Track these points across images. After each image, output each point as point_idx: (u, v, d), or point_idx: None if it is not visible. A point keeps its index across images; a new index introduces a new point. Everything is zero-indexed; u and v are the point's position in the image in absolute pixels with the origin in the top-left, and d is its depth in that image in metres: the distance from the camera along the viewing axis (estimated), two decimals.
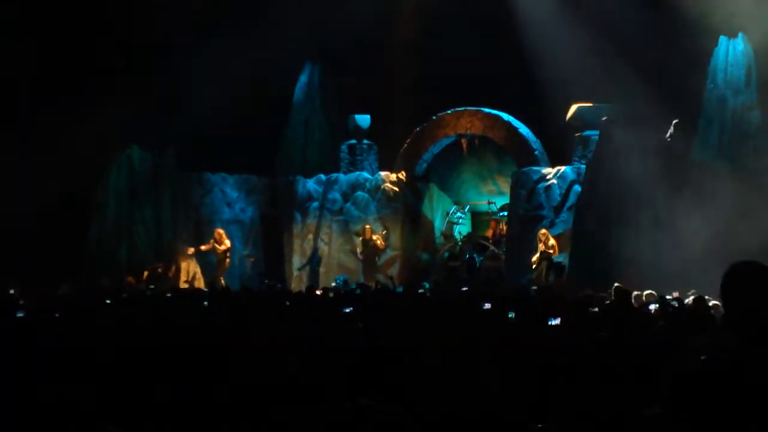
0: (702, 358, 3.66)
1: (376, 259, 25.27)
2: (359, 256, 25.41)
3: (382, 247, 25.20)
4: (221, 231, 24.69)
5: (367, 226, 25.36)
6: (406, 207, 26.13)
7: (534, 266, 22.11)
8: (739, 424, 3.51)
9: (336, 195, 26.78)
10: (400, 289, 19.27)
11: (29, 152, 24.87)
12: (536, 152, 24.78)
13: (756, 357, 3.59)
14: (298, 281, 26.21)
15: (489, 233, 26.24)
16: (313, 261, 26.20)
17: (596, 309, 11.41)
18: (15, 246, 22.88)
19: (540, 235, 22.19)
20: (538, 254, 22.08)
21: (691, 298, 12.44)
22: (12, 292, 16.69)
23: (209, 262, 24.80)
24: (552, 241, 21.99)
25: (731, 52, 21.19)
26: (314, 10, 27.55)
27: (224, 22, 27.13)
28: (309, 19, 27.74)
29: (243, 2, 27.70)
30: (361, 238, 25.44)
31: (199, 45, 26.20)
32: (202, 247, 24.60)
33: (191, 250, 24.62)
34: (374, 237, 25.15)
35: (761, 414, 3.50)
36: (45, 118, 25.20)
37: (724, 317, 3.92)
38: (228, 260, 24.57)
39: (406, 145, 26.73)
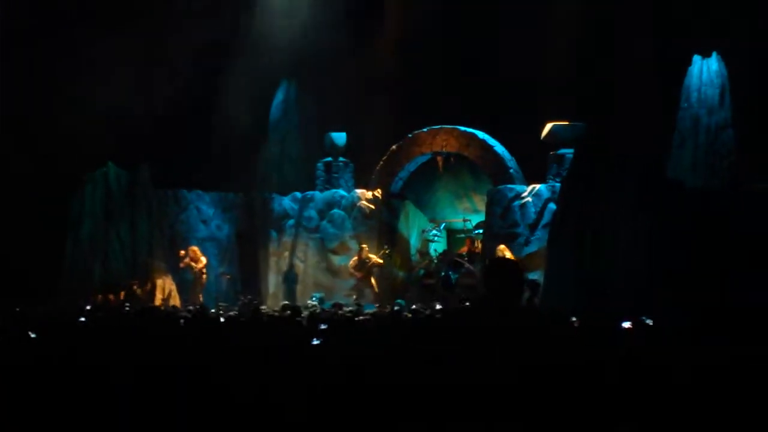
0: None
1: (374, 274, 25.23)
2: (355, 273, 25.32)
3: (380, 263, 25.18)
4: (195, 248, 24.67)
5: (364, 246, 25.30)
6: (382, 224, 26.15)
7: None
8: None
9: (312, 213, 26.78)
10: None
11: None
12: (511, 170, 24.84)
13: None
14: (273, 299, 26.17)
15: (464, 250, 26.28)
16: (289, 279, 26.15)
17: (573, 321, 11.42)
18: None
19: (498, 251, 21.86)
20: None
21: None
22: None
23: (185, 280, 24.72)
24: (508, 254, 21.60)
25: (705, 71, 21.36)
26: (290, 27, 27.68)
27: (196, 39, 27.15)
28: (285, 36, 27.87)
29: (218, 19, 27.69)
30: (356, 258, 25.29)
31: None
32: (180, 264, 24.56)
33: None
34: (371, 256, 25.09)
35: None
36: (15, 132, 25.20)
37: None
38: (205, 277, 24.54)
39: (381, 162, 26.77)
